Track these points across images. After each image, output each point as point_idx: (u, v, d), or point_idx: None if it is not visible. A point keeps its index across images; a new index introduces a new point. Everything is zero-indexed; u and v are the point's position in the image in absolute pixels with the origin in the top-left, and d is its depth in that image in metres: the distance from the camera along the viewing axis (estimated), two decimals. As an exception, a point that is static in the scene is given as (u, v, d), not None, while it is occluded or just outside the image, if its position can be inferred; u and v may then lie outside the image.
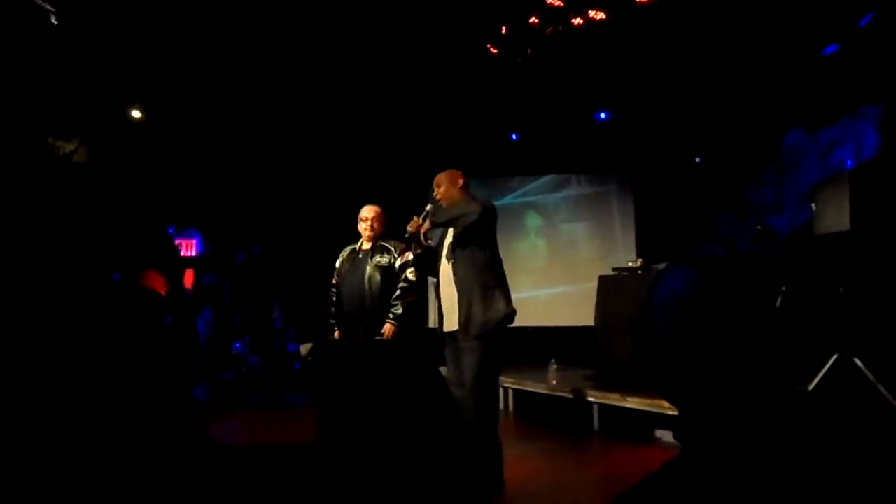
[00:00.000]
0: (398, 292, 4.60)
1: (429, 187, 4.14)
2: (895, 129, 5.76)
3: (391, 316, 4.55)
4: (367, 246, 4.72)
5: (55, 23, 4.91)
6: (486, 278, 3.81)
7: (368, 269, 4.62)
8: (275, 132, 9.02)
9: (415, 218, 4.00)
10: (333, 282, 4.82)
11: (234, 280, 9.88)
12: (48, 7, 4.87)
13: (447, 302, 3.91)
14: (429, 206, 4.01)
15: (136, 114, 7.96)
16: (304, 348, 9.37)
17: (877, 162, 5.82)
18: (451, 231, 3.96)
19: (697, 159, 8.71)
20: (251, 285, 9.87)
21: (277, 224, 9.96)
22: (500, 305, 3.78)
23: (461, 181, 4.01)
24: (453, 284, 3.86)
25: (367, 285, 4.57)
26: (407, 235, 4.02)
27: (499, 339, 3.79)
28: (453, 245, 3.90)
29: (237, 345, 9.32)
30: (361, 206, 4.81)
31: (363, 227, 4.70)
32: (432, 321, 4.34)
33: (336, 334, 4.76)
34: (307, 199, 9.66)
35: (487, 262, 3.85)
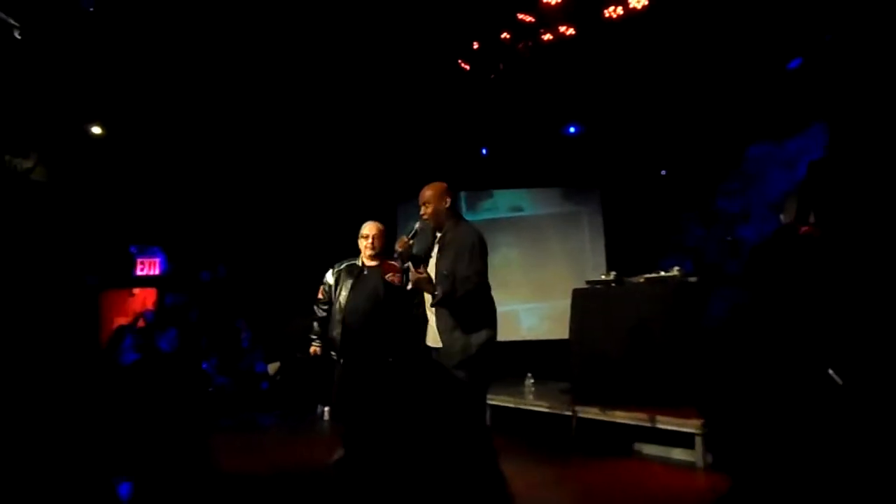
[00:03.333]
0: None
1: (399, 202, 4.10)
2: (842, 140, 5.89)
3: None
4: (371, 263, 4.62)
5: (18, 38, 4.75)
6: (470, 305, 3.75)
7: (379, 286, 4.52)
8: (240, 149, 8.88)
9: (403, 237, 3.94)
10: (320, 296, 4.69)
11: (199, 300, 9.67)
12: (11, 22, 4.70)
13: (432, 318, 3.86)
14: (417, 225, 3.95)
15: (96, 130, 7.76)
16: (272, 367, 9.18)
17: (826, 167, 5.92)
18: (435, 248, 3.91)
19: (663, 172, 8.83)
20: (217, 305, 9.66)
21: (243, 242, 9.78)
22: (482, 332, 3.73)
23: (448, 200, 3.95)
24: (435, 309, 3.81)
25: (376, 303, 4.48)
26: (396, 255, 3.95)
27: (485, 361, 3.73)
28: (438, 270, 3.82)
29: (204, 365, 9.09)
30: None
31: (364, 245, 4.62)
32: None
33: (314, 350, 4.64)
34: (274, 216, 9.51)
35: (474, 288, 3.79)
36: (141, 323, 8.92)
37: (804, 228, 2.72)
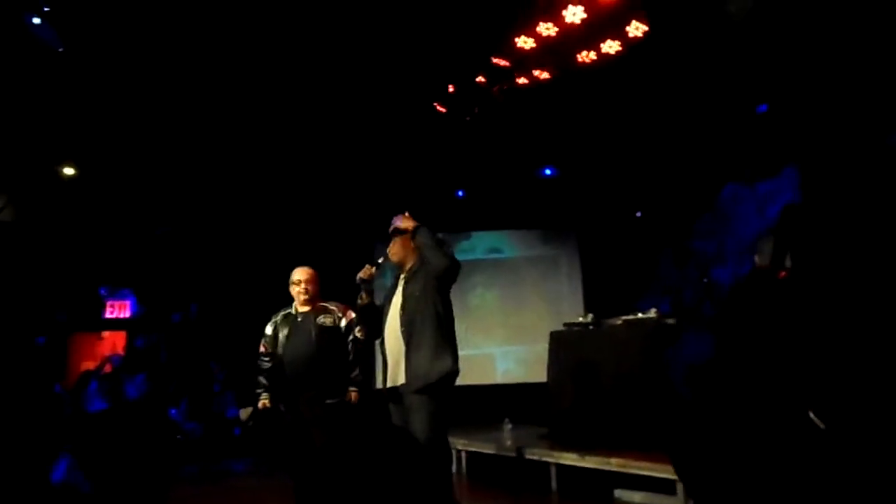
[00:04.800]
0: (352, 356, 4.53)
1: (376, 242, 4.09)
2: (814, 183, 5.98)
3: (353, 381, 4.49)
4: (305, 308, 4.59)
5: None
6: (437, 333, 3.73)
7: (313, 330, 4.49)
8: (214, 188, 8.80)
9: (368, 266, 3.91)
10: (262, 349, 4.64)
11: (170, 342, 9.46)
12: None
13: (393, 356, 3.81)
14: (381, 259, 3.94)
15: (68, 171, 7.65)
16: (245, 413, 8.96)
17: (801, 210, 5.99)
18: (401, 284, 3.89)
19: (638, 213, 8.90)
20: (188, 347, 9.45)
21: (217, 282, 9.63)
22: (447, 361, 3.70)
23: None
24: (401, 338, 3.77)
25: (314, 348, 4.43)
26: (358, 281, 3.90)
27: (444, 394, 3.69)
28: (407, 296, 3.82)
29: (173, 411, 8.85)
30: (302, 264, 4.69)
31: (297, 291, 4.59)
32: (379, 382, 4.23)
33: (262, 403, 4.56)
34: (249, 255, 9.39)
35: (441, 317, 3.78)
36: (108, 368, 8.70)
37: (782, 273, 2.71)
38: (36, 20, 4.35)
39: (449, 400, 3.73)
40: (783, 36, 5.60)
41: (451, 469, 3.98)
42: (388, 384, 3.82)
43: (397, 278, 4.01)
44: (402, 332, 3.77)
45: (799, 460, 2.24)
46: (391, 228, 3.96)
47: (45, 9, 4.69)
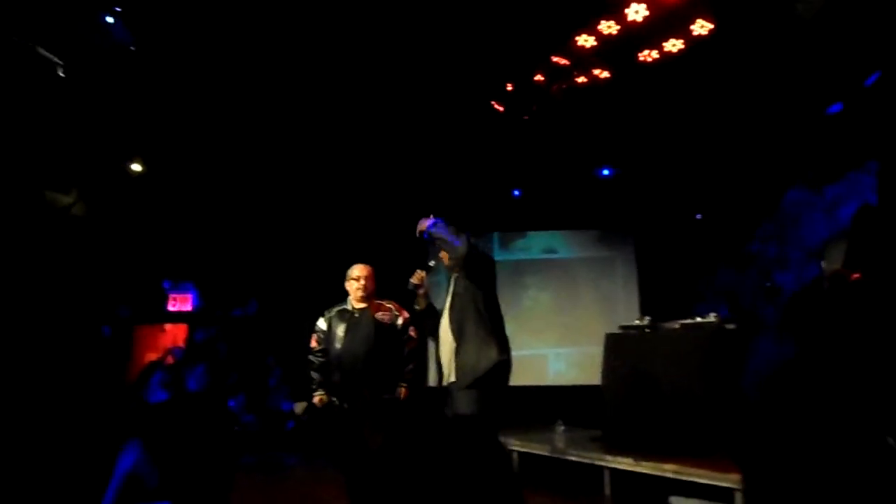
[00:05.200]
0: (406, 353, 4.55)
1: (430, 241, 4.14)
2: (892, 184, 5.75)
3: (404, 378, 4.53)
4: (361, 305, 4.63)
5: (62, 75, 4.88)
6: (480, 326, 3.77)
7: (371, 327, 4.53)
8: (275, 185, 8.97)
9: (419, 271, 3.95)
10: (314, 345, 4.68)
11: (229, 336, 9.68)
12: (55, 60, 4.84)
13: (446, 355, 3.88)
14: (432, 262, 3.97)
15: (136, 167, 7.90)
16: (299, 407, 9.11)
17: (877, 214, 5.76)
18: (451, 284, 3.93)
19: (698, 216, 8.71)
20: (247, 342, 9.66)
21: (275, 279, 9.82)
22: (492, 353, 3.72)
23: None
24: (451, 336, 3.84)
25: (371, 344, 4.47)
26: (410, 288, 3.95)
27: (494, 388, 3.70)
28: (455, 296, 3.91)
29: (231, 403, 9.06)
30: (361, 261, 4.75)
31: (355, 287, 4.62)
32: (432, 379, 4.29)
33: (318, 399, 4.61)
34: (306, 254, 9.55)
35: (482, 309, 3.82)
36: (169, 360, 8.94)
37: (854, 275, 2.61)
38: (109, 19, 4.51)
39: (499, 394, 3.72)
40: (854, 35, 5.40)
41: (509, 468, 3.97)
42: (444, 383, 3.86)
43: (449, 279, 4.05)
44: (452, 331, 3.83)
45: (871, 478, 2.15)
46: (418, 233, 4.01)
47: (118, 9, 4.86)
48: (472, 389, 3.66)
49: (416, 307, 4.12)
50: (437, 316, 4.05)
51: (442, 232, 3.87)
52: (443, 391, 3.92)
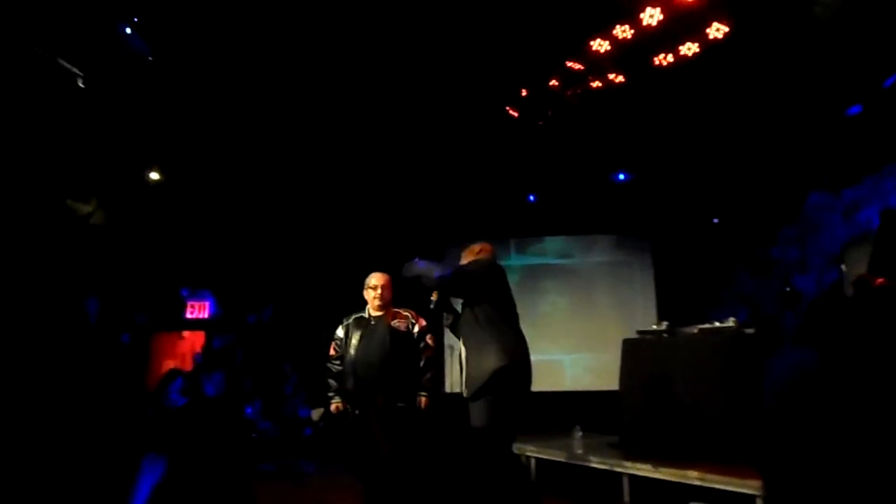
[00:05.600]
0: (423, 362, 4.57)
1: (447, 247, 4.21)
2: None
3: (423, 387, 4.54)
4: (378, 313, 4.65)
5: (82, 86, 4.94)
6: (481, 333, 3.75)
7: (386, 334, 4.54)
8: (292, 194, 9.02)
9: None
10: (332, 353, 4.72)
11: (246, 343, 9.73)
12: (75, 71, 4.90)
13: (461, 366, 3.92)
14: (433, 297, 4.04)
15: (154, 176, 7.98)
16: (316, 413, 9.13)
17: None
18: None
19: (715, 220, 8.65)
20: (263, 348, 9.70)
21: (291, 286, 9.86)
22: (489, 361, 3.67)
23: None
24: (462, 345, 3.90)
25: (386, 351, 4.48)
26: (432, 307, 3.98)
27: (499, 396, 3.65)
28: (463, 308, 3.94)
29: (248, 409, 9.10)
30: (375, 269, 4.77)
31: (372, 296, 4.66)
32: (448, 386, 4.31)
33: (335, 406, 4.63)
34: (321, 261, 9.59)
35: (480, 319, 3.80)
36: (190, 366, 9.01)
37: (879, 280, 2.58)
38: (128, 30, 4.57)
39: (508, 401, 3.68)
40: (873, 36, 5.35)
41: (524, 477, 3.94)
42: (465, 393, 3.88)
43: None
44: (462, 342, 3.88)
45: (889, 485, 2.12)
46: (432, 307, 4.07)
47: (135, 19, 4.92)
48: (478, 400, 3.65)
49: (445, 323, 4.16)
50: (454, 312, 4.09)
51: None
52: (462, 399, 3.93)
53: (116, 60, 4.99)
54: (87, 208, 6.54)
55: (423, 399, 4.53)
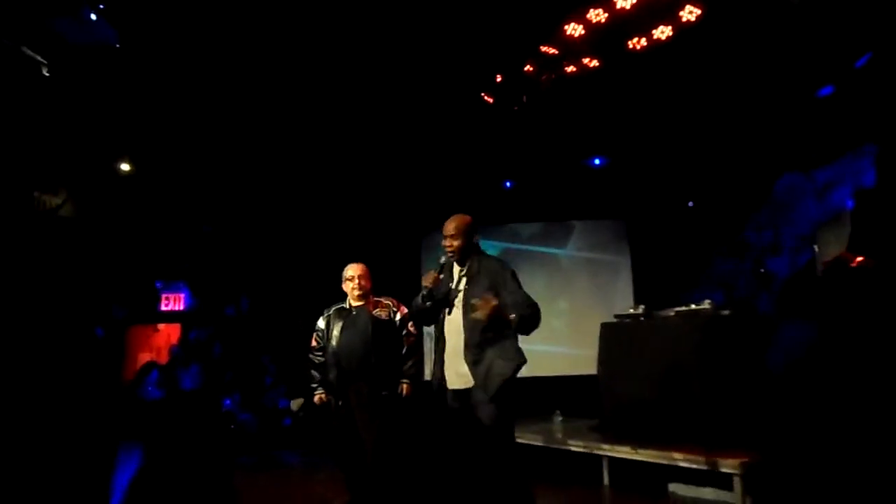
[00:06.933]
0: (406, 349, 4.56)
1: (423, 235, 4.07)
2: (892, 166, 5.73)
3: (406, 374, 4.53)
4: (359, 303, 4.63)
5: (47, 75, 4.81)
6: (504, 331, 3.68)
7: (367, 324, 4.52)
8: (264, 183, 8.92)
9: (432, 272, 3.86)
10: (314, 343, 4.69)
11: (223, 335, 9.64)
12: (40, 59, 4.77)
13: (455, 357, 3.74)
14: (442, 259, 3.88)
15: (125, 167, 7.84)
16: (295, 404, 9.09)
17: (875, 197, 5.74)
18: (462, 282, 3.82)
19: (690, 203, 8.71)
20: (241, 340, 9.62)
21: (267, 277, 9.78)
22: (516, 356, 3.69)
23: (476, 236, 3.93)
24: (462, 336, 3.71)
25: (368, 341, 4.46)
26: (425, 292, 3.85)
27: (515, 388, 3.65)
28: (472, 300, 3.69)
29: (227, 402, 9.03)
30: (351, 258, 4.73)
31: (351, 287, 4.63)
32: (428, 373, 4.23)
33: (318, 398, 4.61)
34: (297, 250, 9.51)
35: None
36: (165, 359, 8.92)
37: (857, 259, 2.60)
38: (93, 16, 4.45)
39: (518, 391, 3.70)
40: (845, 16, 5.39)
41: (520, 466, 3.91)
42: (453, 385, 3.76)
43: (451, 271, 3.92)
44: (472, 335, 3.68)
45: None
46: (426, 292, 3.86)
47: (101, 6, 4.80)
48: (501, 396, 3.58)
49: (422, 305, 3.95)
50: (436, 310, 3.91)
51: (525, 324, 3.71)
52: (455, 393, 3.82)
53: (82, 48, 4.87)
54: (55, 200, 6.40)
55: (406, 386, 4.53)
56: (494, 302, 3.51)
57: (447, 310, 3.85)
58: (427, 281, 3.82)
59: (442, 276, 3.84)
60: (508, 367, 3.61)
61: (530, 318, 3.64)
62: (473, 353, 3.66)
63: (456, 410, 3.78)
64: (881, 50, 5.33)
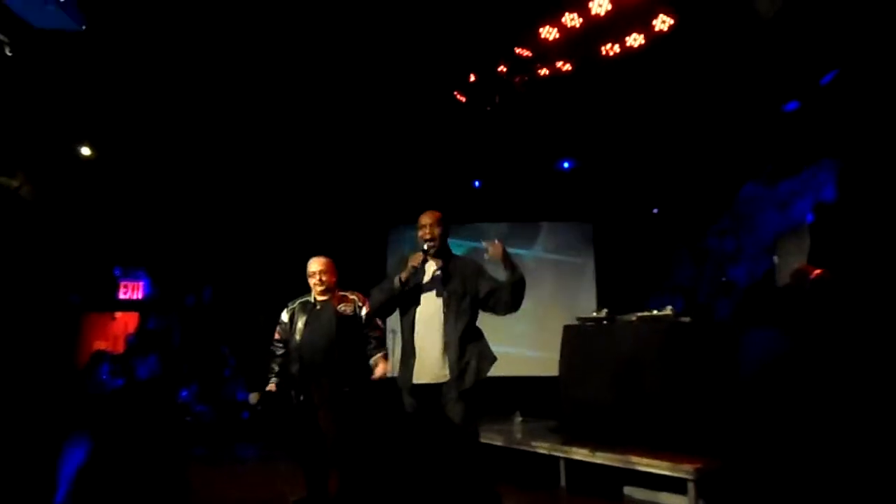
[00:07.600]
0: (373, 343, 4.54)
1: (390, 228, 4.07)
2: (852, 182, 5.88)
3: (378, 359, 4.51)
4: (323, 297, 4.58)
5: (8, 54, 4.67)
6: (478, 330, 3.84)
7: (332, 318, 4.47)
8: (229, 172, 8.79)
9: (419, 253, 3.85)
10: (277, 336, 4.64)
11: (183, 324, 9.48)
12: (2, 38, 4.63)
13: (432, 351, 3.75)
14: (425, 246, 3.87)
15: (85, 151, 7.65)
16: (253, 397, 8.94)
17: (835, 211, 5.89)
18: (437, 276, 3.83)
19: (655, 210, 8.82)
20: (201, 330, 9.47)
21: (230, 266, 9.64)
22: (492, 354, 3.83)
23: (447, 229, 4.00)
24: (441, 332, 3.75)
25: (332, 335, 4.42)
26: (413, 271, 3.83)
27: (482, 387, 3.75)
28: (451, 296, 3.80)
29: (184, 392, 8.88)
30: (317, 251, 4.68)
31: (314, 282, 4.58)
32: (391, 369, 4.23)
33: (270, 387, 4.56)
34: (262, 241, 9.40)
35: (476, 314, 3.90)
36: (121, 348, 8.74)
37: (816, 271, 2.66)
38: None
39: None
40: (812, 34, 5.50)
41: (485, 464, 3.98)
42: (421, 380, 3.76)
43: (423, 265, 3.90)
44: (449, 331, 3.74)
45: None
46: (413, 271, 3.86)
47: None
48: (472, 392, 3.68)
49: (400, 287, 3.90)
50: (408, 300, 3.91)
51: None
52: (424, 389, 3.82)
53: (46, 28, 4.73)
54: (12, 183, 6.22)
55: (381, 365, 4.49)
56: (501, 243, 3.82)
57: (417, 306, 3.87)
58: (415, 261, 3.81)
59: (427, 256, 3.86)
60: (487, 364, 3.73)
61: (523, 283, 3.88)
62: (455, 348, 3.70)
63: (422, 407, 3.79)
64: (847, 68, 5.46)
